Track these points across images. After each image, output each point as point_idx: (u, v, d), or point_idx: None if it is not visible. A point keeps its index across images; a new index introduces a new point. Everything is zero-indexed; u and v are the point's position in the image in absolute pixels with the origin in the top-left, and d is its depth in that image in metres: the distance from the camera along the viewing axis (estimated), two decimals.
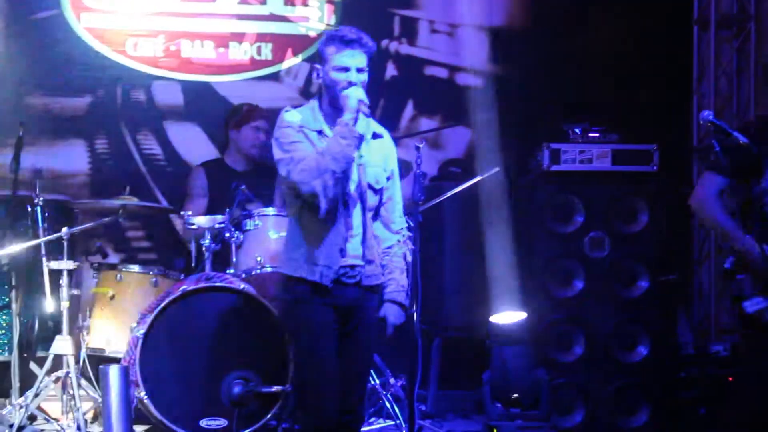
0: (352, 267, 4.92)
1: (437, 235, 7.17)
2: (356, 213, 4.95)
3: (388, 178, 5.06)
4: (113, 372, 6.03)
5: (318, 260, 4.87)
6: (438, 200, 6.67)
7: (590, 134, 7.13)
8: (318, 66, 4.96)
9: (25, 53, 7.70)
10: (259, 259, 6.47)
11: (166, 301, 6.18)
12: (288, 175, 4.83)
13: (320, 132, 4.90)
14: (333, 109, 4.92)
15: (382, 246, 5.08)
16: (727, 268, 5.16)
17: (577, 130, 7.13)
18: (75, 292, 6.64)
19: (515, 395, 6.80)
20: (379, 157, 5.03)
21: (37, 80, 7.76)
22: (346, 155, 4.75)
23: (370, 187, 4.97)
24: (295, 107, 5.04)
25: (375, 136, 5.06)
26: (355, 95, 4.80)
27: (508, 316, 6.80)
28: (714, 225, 5.29)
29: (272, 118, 7.29)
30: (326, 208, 4.79)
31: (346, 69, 4.87)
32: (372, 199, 4.99)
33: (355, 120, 4.80)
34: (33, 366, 6.71)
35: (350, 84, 4.85)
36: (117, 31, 7.90)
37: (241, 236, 6.56)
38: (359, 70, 4.88)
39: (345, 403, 4.89)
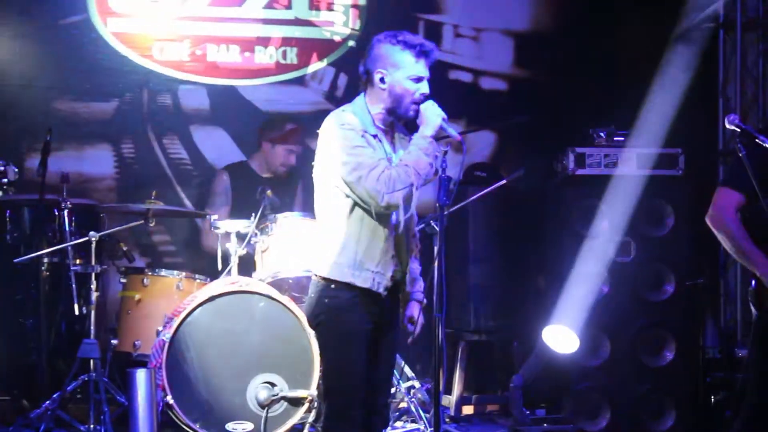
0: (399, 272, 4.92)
1: (462, 239, 7.19)
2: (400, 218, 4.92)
3: None
4: (140, 375, 6.07)
5: (368, 266, 4.81)
6: (463, 204, 6.69)
7: (615, 138, 7.10)
8: (383, 70, 4.80)
9: (52, 58, 7.77)
10: (284, 263, 6.49)
11: (192, 304, 6.21)
12: (357, 181, 4.71)
13: (375, 136, 4.81)
14: (389, 115, 4.85)
15: None
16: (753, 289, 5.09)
17: (602, 134, 7.11)
18: (101, 295, 6.69)
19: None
20: None
21: (65, 85, 7.82)
22: (429, 173, 4.70)
23: None
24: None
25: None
26: (438, 112, 4.75)
27: (561, 335, 6.74)
28: (733, 246, 5.17)
29: (303, 131, 7.41)
30: (403, 219, 4.80)
31: (421, 79, 4.79)
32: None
33: (434, 135, 4.75)
34: (60, 369, 6.76)
35: (424, 96, 4.79)
36: (143, 35, 7.96)
37: (267, 240, 6.56)
38: (428, 81, 4.83)
39: (372, 405, 4.87)
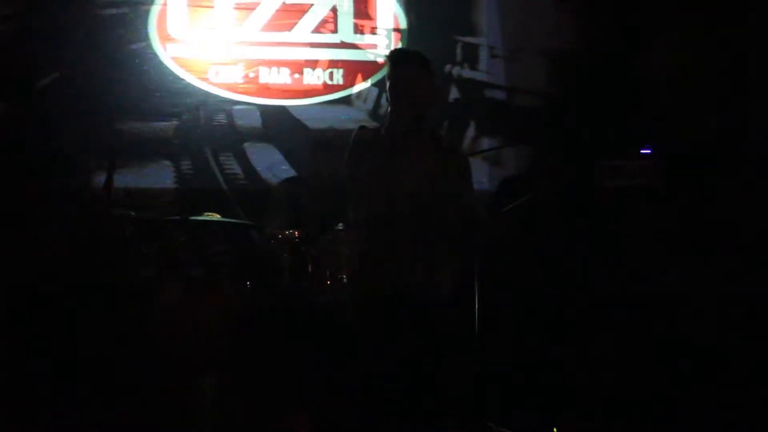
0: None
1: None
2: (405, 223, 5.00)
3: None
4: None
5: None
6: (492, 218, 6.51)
7: (642, 151, 7.08)
8: None
9: (117, 82, 7.91)
10: (334, 272, 6.60)
11: (245, 313, 6.43)
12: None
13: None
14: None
15: None
16: None
17: (631, 148, 7.13)
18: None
19: None
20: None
21: (129, 107, 7.95)
22: None
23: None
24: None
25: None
26: None
27: None
28: None
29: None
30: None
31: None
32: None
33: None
34: None
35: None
36: (200, 60, 8.12)
37: (317, 250, 6.62)
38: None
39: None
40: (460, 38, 8.56)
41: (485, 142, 8.47)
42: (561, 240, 7.41)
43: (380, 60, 8.35)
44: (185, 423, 6.23)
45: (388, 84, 5.06)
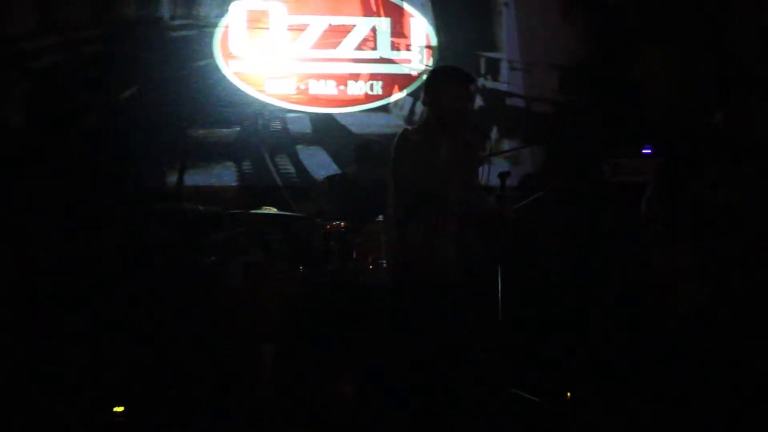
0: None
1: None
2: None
3: None
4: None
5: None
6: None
7: (644, 151, 7.55)
8: None
9: (187, 94, 8.40)
10: (376, 258, 6.89)
11: (298, 293, 6.85)
12: None
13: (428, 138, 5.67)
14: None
15: None
16: None
17: (633, 148, 7.58)
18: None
19: None
20: None
21: (197, 115, 8.43)
22: None
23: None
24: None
25: None
26: None
27: None
28: None
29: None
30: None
31: None
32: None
33: None
34: None
35: None
36: (258, 74, 8.58)
37: (360, 238, 6.91)
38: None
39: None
40: (483, 54, 9.00)
41: (506, 144, 8.89)
42: (571, 229, 7.93)
43: (414, 73, 8.77)
44: (249, 385, 6.75)
45: (427, 94, 5.74)
